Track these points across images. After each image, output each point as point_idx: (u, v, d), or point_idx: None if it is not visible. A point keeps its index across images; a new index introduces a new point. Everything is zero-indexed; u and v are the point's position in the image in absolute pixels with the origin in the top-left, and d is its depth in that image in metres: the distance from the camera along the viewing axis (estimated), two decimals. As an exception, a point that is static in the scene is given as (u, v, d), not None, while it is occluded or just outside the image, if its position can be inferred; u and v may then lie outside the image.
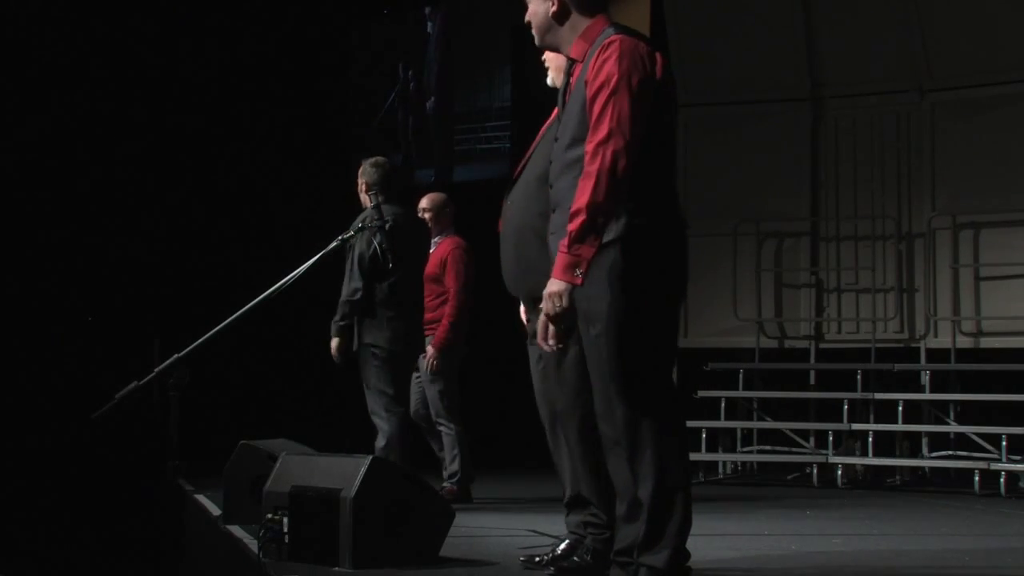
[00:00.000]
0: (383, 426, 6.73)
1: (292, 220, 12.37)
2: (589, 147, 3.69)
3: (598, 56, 3.75)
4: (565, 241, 3.68)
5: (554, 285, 3.69)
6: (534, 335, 4.63)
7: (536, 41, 4.09)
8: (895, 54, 10.00)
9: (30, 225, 12.03)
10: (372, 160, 7.04)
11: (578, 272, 3.64)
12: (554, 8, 3.93)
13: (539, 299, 4.45)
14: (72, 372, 11.22)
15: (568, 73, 3.99)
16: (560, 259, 3.68)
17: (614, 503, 3.93)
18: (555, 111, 4.68)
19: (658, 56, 3.80)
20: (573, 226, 3.65)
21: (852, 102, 10.16)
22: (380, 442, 6.73)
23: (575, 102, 3.84)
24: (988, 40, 9.59)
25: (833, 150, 10.21)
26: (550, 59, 4.72)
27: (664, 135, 3.82)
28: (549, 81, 4.76)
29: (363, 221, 6.46)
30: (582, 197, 3.65)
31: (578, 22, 3.92)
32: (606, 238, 3.71)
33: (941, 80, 9.85)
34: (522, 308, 4.79)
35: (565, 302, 3.67)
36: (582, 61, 3.86)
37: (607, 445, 3.93)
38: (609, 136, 3.65)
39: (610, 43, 3.75)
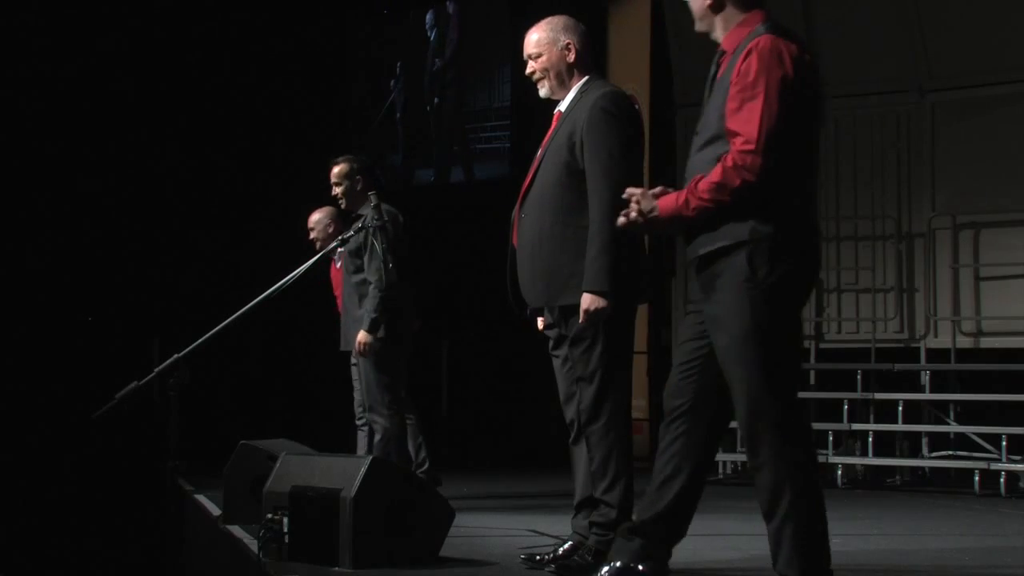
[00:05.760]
0: (383, 423, 6.70)
1: (292, 221, 12.36)
2: (733, 144, 3.61)
3: (744, 56, 3.66)
4: (694, 185, 3.66)
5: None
6: (555, 343, 4.62)
7: (695, 24, 3.99)
8: (895, 54, 9.98)
9: (30, 225, 12.04)
10: (349, 163, 6.99)
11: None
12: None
13: (565, 306, 4.45)
14: (72, 372, 11.22)
15: (716, 64, 3.88)
16: (677, 198, 3.69)
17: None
18: (555, 119, 4.67)
19: (808, 57, 3.71)
20: (695, 195, 3.65)
21: (852, 102, 10.14)
22: (377, 437, 6.70)
23: (718, 98, 3.75)
24: (988, 40, 9.58)
25: (833, 150, 10.19)
26: (532, 67, 4.69)
27: (804, 139, 3.69)
28: (542, 94, 4.72)
29: (363, 221, 6.47)
30: (709, 185, 3.62)
31: (733, 14, 3.83)
32: (730, 240, 3.63)
33: (941, 80, 9.84)
34: (540, 319, 4.71)
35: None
36: (731, 54, 3.76)
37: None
38: (748, 139, 3.58)
39: (757, 43, 3.66)
